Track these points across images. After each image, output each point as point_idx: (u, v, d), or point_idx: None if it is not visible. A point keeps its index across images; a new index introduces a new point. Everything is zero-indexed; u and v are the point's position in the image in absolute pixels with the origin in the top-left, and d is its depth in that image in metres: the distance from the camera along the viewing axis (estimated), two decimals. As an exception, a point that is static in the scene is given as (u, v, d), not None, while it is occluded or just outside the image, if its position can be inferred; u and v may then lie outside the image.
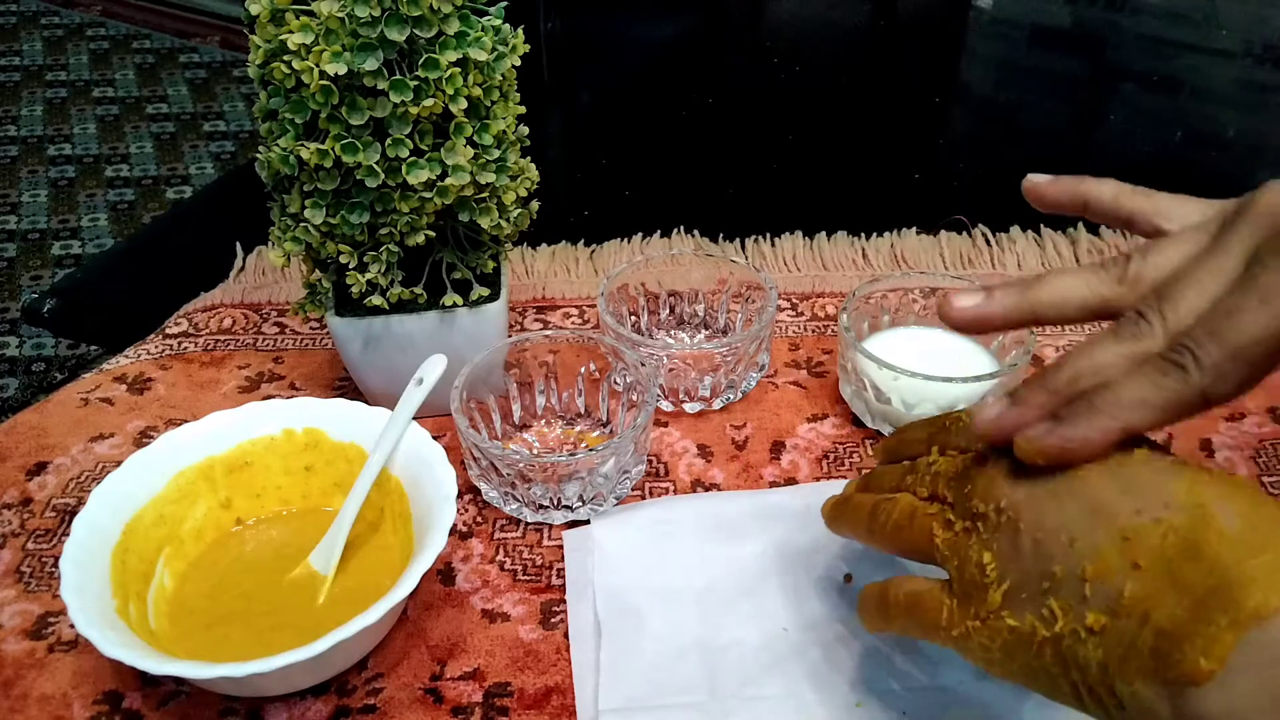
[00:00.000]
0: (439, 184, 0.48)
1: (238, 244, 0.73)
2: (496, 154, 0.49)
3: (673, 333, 0.65)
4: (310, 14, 0.44)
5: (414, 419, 0.49)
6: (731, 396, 0.59)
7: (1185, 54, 1.14)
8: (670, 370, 0.57)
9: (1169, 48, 1.15)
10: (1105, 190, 0.39)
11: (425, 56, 0.45)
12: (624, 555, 0.49)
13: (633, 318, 0.63)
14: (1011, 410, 0.34)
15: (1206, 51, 1.14)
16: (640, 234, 0.75)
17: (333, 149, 0.46)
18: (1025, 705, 0.42)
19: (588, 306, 0.69)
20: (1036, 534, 0.32)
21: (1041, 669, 0.32)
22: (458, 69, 0.46)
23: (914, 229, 0.76)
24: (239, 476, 0.50)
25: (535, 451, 0.56)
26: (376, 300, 0.51)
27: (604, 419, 0.57)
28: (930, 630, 0.36)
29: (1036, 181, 0.41)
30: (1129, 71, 1.13)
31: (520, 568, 0.50)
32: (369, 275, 0.50)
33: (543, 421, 0.58)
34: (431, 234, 0.51)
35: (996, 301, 0.36)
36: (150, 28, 2.79)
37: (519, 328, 0.67)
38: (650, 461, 0.56)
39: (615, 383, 0.56)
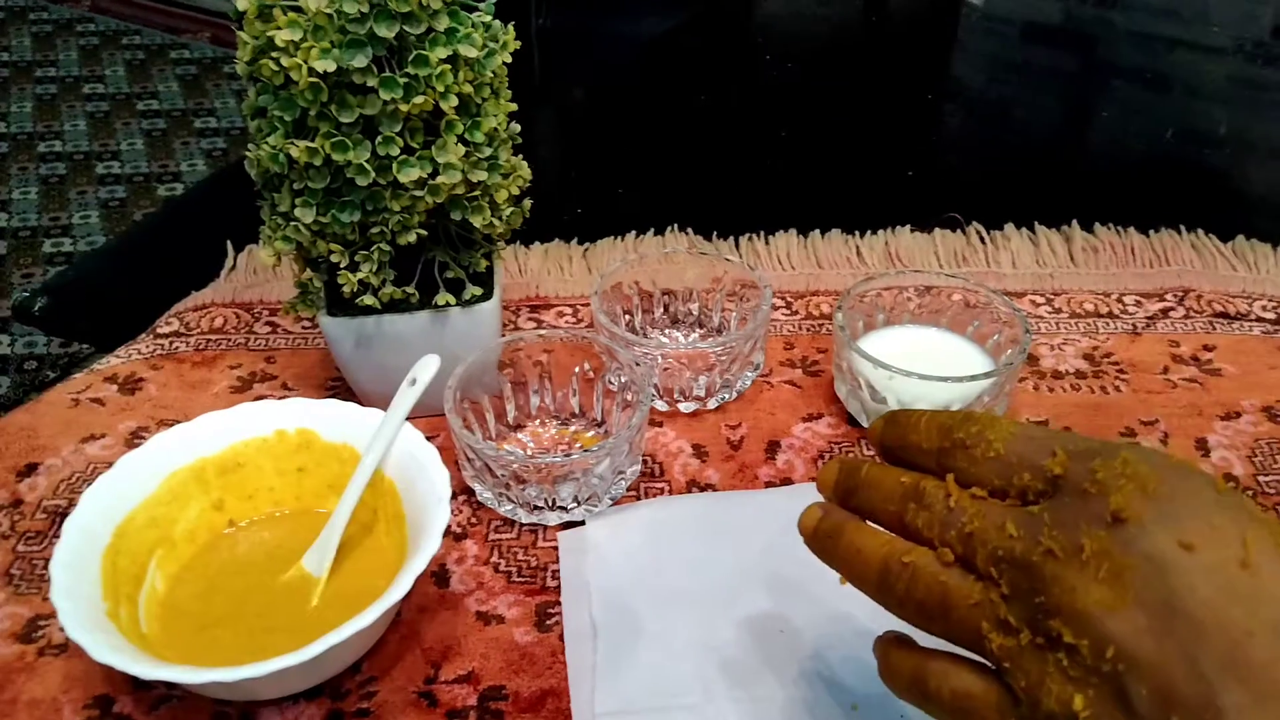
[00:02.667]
0: (430, 182, 0.47)
1: (229, 243, 0.73)
2: (488, 152, 0.49)
3: (667, 332, 0.65)
4: (298, 10, 0.44)
5: (407, 419, 0.49)
6: (726, 396, 0.59)
7: (1177, 50, 1.14)
8: (665, 370, 0.57)
9: (1160, 44, 1.16)
10: None
11: (415, 53, 0.45)
12: (619, 556, 0.49)
13: (627, 317, 0.63)
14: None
15: (1198, 48, 1.14)
16: (634, 232, 0.75)
17: (323, 147, 0.45)
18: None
19: (581, 305, 0.68)
20: (1166, 714, 0.24)
21: None
22: (448, 66, 0.45)
23: (908, 227, 0.76)
24: (231, 478, 0.49)
25: (530, 452, 0.56)
26: (368, 300, 0.51)
27: (599, 419, 0.57)
28: None
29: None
30: (1121, 68, 1.13)
31: (515, 569, 0.49)
32: (360, 274, 0.50)
33: (537, 421, 0.58)
34: (423, 233, 0.50)
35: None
36: (140, 23, 2.78)
37: (513, 327, 0.67)
38: (645, 462, 0.56)
39: (610, 382, 0.56)
